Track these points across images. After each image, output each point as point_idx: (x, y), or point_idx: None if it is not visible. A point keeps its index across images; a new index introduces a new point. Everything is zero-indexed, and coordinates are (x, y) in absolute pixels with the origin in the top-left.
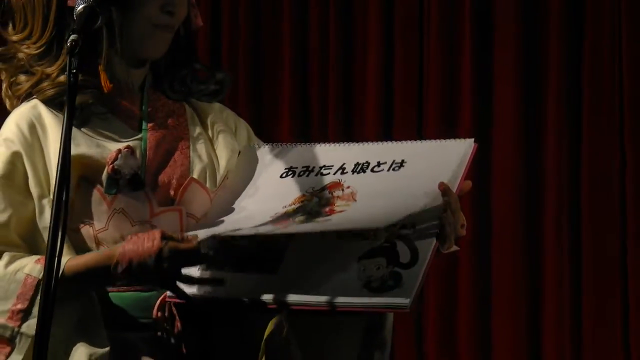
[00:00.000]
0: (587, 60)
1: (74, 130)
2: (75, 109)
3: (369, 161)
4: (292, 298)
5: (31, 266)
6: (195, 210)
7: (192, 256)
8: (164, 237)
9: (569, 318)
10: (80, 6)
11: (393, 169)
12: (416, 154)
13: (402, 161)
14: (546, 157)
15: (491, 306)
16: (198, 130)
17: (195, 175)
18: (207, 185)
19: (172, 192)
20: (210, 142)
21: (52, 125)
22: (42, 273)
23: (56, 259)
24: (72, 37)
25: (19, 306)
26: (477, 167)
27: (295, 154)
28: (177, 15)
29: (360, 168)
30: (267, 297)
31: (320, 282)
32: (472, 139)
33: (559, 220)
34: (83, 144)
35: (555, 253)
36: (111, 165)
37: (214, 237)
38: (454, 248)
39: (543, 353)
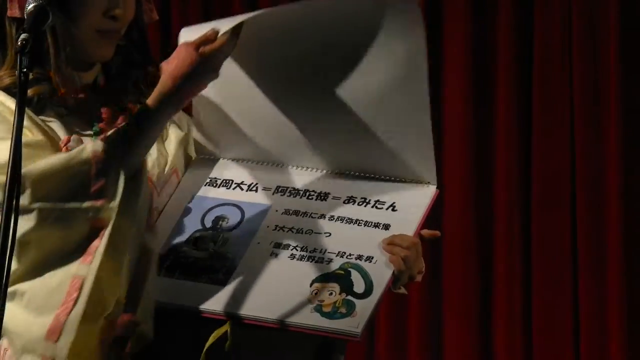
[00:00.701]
0: (537, 57)
1: (30, 118)
2: (31, 99)
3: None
4: (242, 311)
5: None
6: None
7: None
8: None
9: (520, 318)
10: (31, 5)
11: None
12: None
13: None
14: (497, 155)
15: (442, 306)
16: None
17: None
18: (155, 179)
19: None
20: (161, 137)
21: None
22: None
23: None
24: (23, 36)
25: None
26: None
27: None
28: (123, 20)
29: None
30: (216, 308)
31: (271, 299)
32: (435, 186)
33: (510, 219)
34: (36, 133)
35: (505, 252)
36: (64, 147)
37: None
38: (402, 291)
39: (494, 353)
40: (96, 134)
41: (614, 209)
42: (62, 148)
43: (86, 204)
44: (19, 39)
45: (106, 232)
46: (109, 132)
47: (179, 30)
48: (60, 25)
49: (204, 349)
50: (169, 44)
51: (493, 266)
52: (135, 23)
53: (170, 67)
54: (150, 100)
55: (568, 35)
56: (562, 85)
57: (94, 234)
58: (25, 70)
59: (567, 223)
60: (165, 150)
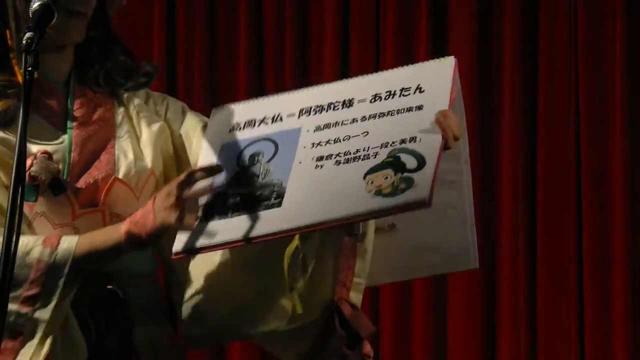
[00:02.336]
0: (542, 59)
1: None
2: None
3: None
4: (307, 221)
5: (39, 249)
6: (121, 210)
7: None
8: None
9: (524, 318)
10: (36, 4)
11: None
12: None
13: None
14: (501, 156)
15: (446, 306)
16: (124, 124)
17: (120, 174)
18: (133, 183)
19: (97, 194)
20: (136, 134)
21: None
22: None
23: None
24: (28, 34)
25: (33, 291)
26: None
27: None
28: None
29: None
30: (281, 227)
31: (330, 201)
32: (453, 57)
33: (515, 219)
34: (4, 149)
35: (510, 253)
36: (27, 173)
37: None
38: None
39: (498, 354)
40: (70, 134)
41: (619, 209)
42: (27, 173)
43: (15, 307)
44: (24, 38)
45: (26, 344)
46: (59, 245)
47: (184, 31)
48: (23, 11)
49: (285, 269)
50: (174, 44)
51: (497, 267)
52: (101, 12)
53: (132, 225)
54: (97, 240)
55: (574, 36)
56: (568, 86)
57: (13, 335)
58: (30, 69)
59: (572, 223)
60: (141, 152)
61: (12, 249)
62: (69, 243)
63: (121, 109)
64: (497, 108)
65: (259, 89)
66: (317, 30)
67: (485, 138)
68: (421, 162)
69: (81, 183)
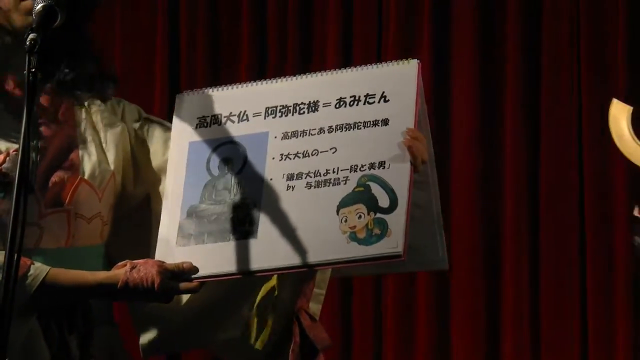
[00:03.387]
0: (545, 59)
1: None
2: None
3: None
4: (283, 262)
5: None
6: (85, 211)
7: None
8: (162, 271)
9: (528, 319)
10: (40, 5)
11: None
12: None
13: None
14: (504, 158)
15: (450, 307)
16: (86, 126)
17: (86, 175)
18: (97, 184)
19: (62, 194)
20: (98, 136)
21: None
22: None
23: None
24: (31, 35)
25: None
26: (437, 169)
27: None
28: None
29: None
30: (257, 266)
31: (306, 241)
32: (416, 60)
33: (518, 220)
34: None
35: (513, 253)
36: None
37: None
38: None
39: (502, 354)
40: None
41: (621, 210)
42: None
43: None
44: (27, 38)
45: None
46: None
47: (188, 29)
48: None
49: (255, 304)
50: (177, 43)
51: (501, 267)
52: (76, 13)
53: (132, 275)
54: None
55: (576, 36)
56: (570, 86)
57: None
58: (33, 70)
59: (575, 224)
60: (103, 153)
61: (16, 251)
62: (35, 277)
63: (82, 110)
64: (499, 108)
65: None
66: (320, 29)
67: (487, 138)
68: (393, 199)
69: (48, 183)
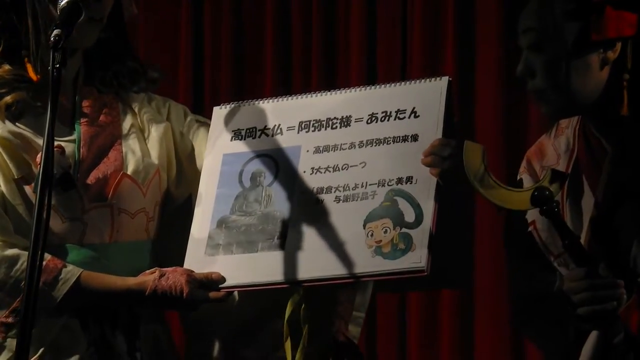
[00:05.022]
0: None
1: (8, 126)
2: (10, 106)
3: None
4: (309, 274)
5: None
6: (128, 206)
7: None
8: (190, 280)
9: None
10: (64, 1)
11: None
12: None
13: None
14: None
15: (474, 305)
16: (130, 123)
17: (129, 171)
18: (140, 179)
19: (105, 189)
20: (142, 134)
21: None
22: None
23: (39, 255)
24: (56, 31)
25: (10, 320)
26: None
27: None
28: (103, 4)
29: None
30: (283, 277)
31: (332, 254)
32: (447, 77)
33: None
34: (19, 142)
35: None
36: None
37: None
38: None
39: (526, 353)
40: (78, 130)
41: None
42: (39, 164)
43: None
44: (52, 35)
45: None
46: (56, 278)
47: (211, 31)
48: (42, 8)
49: (286, 319)
50: (201, 39)
51: None
52: (115, 16)
53: (160, 282)
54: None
55: None
56: None
57: None
58: (58, 66)
59: None
60: (147, 150)
61: (40, 247)
62: (65, 281)
63: (126, 109)
64: (524, 105)
65: (285, 90)
66: (344, 31)
67: (512, 135)
68: (418, 214)
69: (90, 178)
